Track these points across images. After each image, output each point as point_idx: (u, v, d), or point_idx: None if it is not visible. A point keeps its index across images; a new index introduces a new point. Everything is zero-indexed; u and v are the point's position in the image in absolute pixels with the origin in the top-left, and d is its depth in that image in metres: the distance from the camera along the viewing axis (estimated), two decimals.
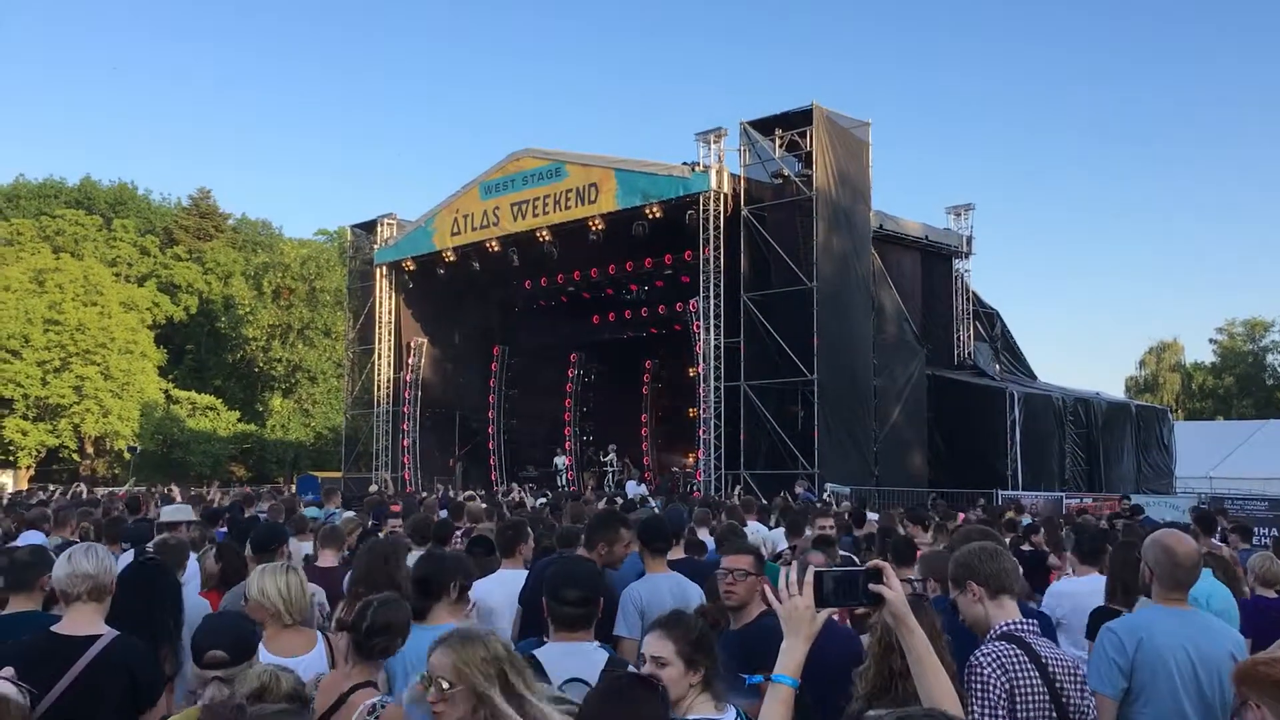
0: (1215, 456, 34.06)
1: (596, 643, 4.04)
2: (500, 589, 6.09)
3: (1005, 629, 3.65)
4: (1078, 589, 6.41)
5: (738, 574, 4.65)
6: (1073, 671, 3.60)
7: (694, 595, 5.61)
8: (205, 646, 3.54)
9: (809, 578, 2.71)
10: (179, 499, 14.70)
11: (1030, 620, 3.73)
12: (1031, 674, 3.50)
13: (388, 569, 5.21)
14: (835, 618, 5.29)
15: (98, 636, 3.94)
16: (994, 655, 3.53)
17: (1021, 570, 4.20)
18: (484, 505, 12.99)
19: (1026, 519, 13.14)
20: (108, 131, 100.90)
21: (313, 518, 10.78)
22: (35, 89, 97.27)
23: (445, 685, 2.85)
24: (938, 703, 2.75)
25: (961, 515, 11.90)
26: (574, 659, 3.81)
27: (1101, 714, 3.68)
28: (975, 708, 3.41)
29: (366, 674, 3.99)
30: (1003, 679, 3.46)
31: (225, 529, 9.40)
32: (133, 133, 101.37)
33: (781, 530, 9.99)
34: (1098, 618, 5.34)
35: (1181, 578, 4.19)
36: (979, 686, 3.44)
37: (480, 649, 2.90)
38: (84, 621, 3.99)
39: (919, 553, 7.29)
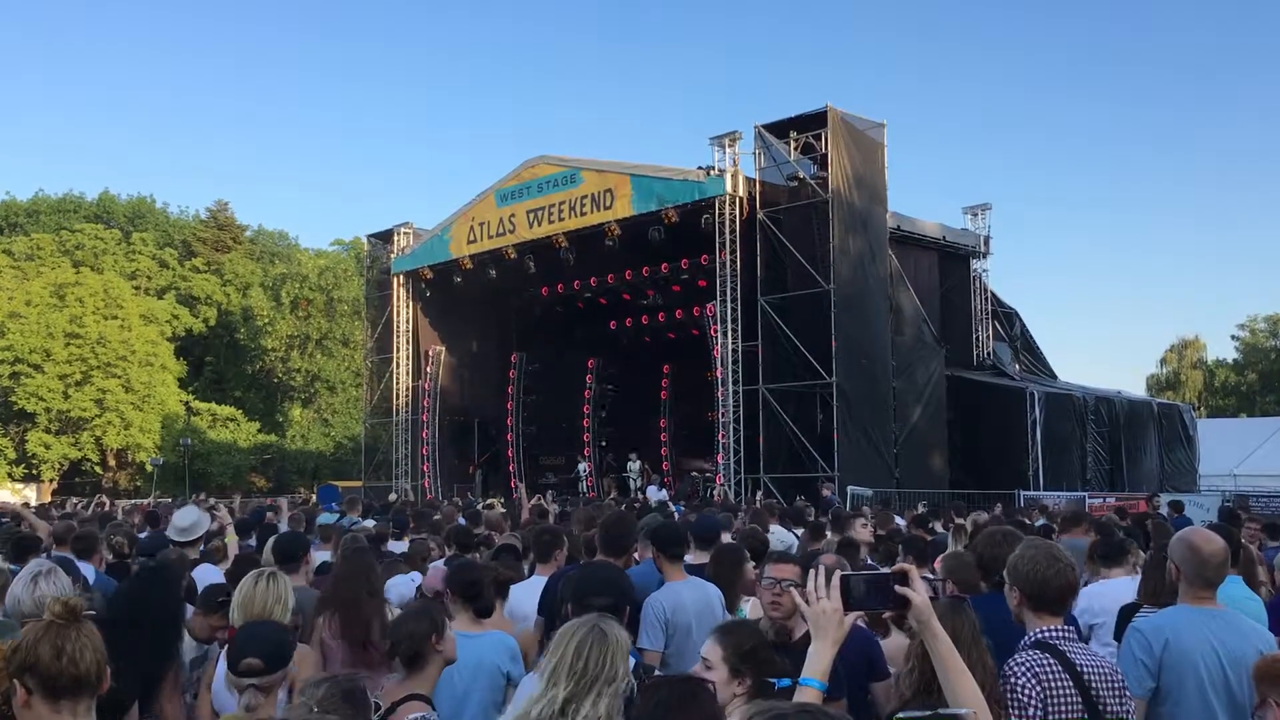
0: (1239, 454, 33.78)
1: None
2: (534, 596, 6.08)
3: (1039, 636, 3.62)
4: (1107, 591, 6.33)
5: (785, 584, 4.35)
6: (1110, 677, 3.55)
7: (715, 599, 5.58)
8: (240, 655, 3.54)
9: (836, 581, 2.70)
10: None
11: (1068, 627, 3.68)
12: (1065, 682, 3.46)
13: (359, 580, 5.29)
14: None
15: None
16: (1027, 664, 3.50)
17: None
18: (503, 512, 13.03)
19: (1041, 521, 12.99)
20: (125, 146, 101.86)
21: (326, 524, 10.80)
22: (53, 105, 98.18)
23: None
24: (964, 706, 2.74)
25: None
26: None
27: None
28: (1013, 718, 3.40)
29: (418, 686, 3.99)
30: (1036, 688, 3.43)
31: (254, 540, 9.43)
32: (150, 147, 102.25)
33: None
34: (1124, 616, 5.28)
35: (1209, 576, 4.14)
36: (1012, 697, 3.42)
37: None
38: None
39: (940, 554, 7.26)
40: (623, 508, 14.21)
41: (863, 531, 8.57)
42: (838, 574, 2.74)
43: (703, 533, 6.83)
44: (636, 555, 6.93)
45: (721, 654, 3.16)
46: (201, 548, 7.80)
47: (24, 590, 4.09)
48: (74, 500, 29.94)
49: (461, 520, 11.54)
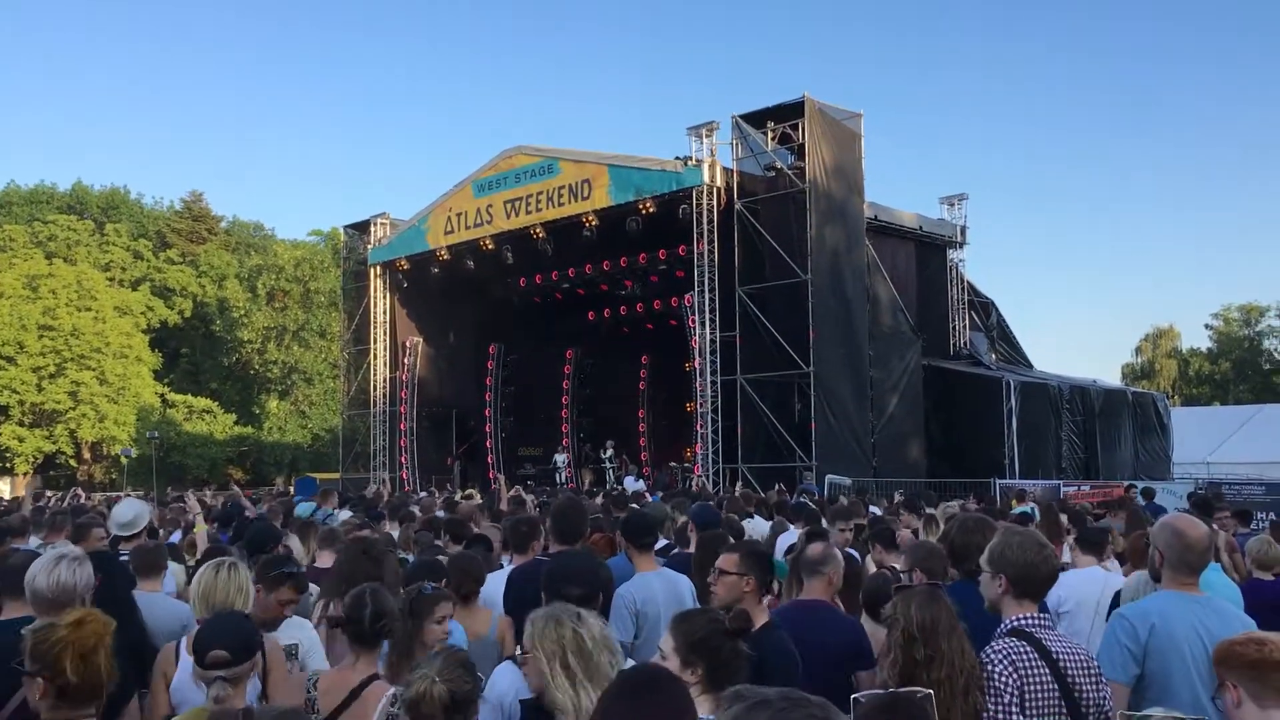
0: (1212, 442, 34.05)
1: None
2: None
3: (1016, 624, 3.64)
4: (1077, 579, 6.39)
5: (719, 573, 4.54)
6: (1086, 664, 3.58)
7: (685, 589, 5.60)
8: (207, 646, 3.52)
9: None
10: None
11: (1044, 615, 3.71)
12: (1041, 670, 3.49)
13: (369, 566, 5.26)
14: (840, 607, 5.29)
15: None
16: (1003, 653, 3.52)
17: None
18: (478, 503, 13.00)
19: (1024, 508, 13.09)
20: (98, 136, 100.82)
21: (303, 515, 10.74)
22: (24, 94, 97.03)
23: (523, 650, 3.36)
24: None
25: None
26: None
27: (1115, 701, 3.64)
28: (989, 706, 3.42)
29: (372, 666, 4.00)
30: (1013, 676, 3.45)
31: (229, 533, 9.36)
32: (123, 137, 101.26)
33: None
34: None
35: (1193, 561, 4.14)
36: (988, 684, 3.44)
37: (554, 628, 3.28)
38: None
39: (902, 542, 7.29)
40: (598, 498, 14.26)
41: (840, 537, 8.55)
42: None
43: (703, 523, 6.85)
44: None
45: (673, 644, 3.16)
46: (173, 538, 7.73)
47: (40, 575, 4.08)
48: (49, 494, 29.68)
49: (440, 513, 11.54)
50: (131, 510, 7.45)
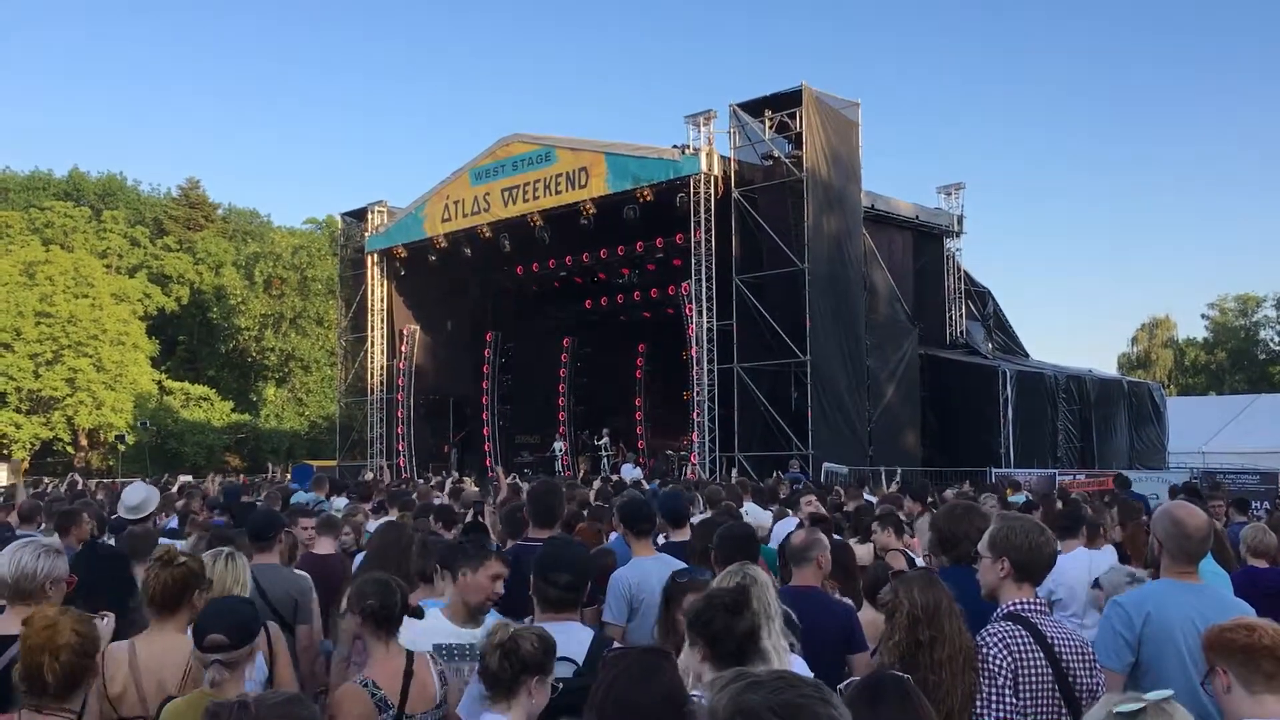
0: (1208, 431, 34.06)
1: (580, 622, 4.09)
2: None
3: (1012, 608, 3.66)
4: (1063, 564, 6.43)
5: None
6: (1080, 650, 3.61)
7: None
8: (205, 631, 3.54)
9: None
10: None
11: (1039, 600, 3.74)
12: (1035, 654, 3.51)
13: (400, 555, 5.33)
14: (835, 591, 5.35)
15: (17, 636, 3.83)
16: (998, 636, 3.55)
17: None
18: (476, 490, 13.05)
19: (1021, 496, 13.14)
20: (95, 122, 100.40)
21: (302, 503, 10.76)
22: (21, 81, 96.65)
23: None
24: None
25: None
26: (560, 637, 3.82)
27: (1109, 688, 3.63)
28: (984, 688, 3.45)
29: (403, 648, 4.05)
30: (1007, 659, 3.48)
31: (223, 518, 9.40)
32: (120, 123, 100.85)
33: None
34: None
35: (1192, 550, 4.14)
36: (983, 666, 3.47)
37: None
38: (14, 620, 3.92)
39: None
40: (593, 485, 14.30)
41: (806, 508, 8.68)
42: None
43: (672, 510, 6.86)
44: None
45: (685, 620, 3.25)
46: (170, 524, 7.76)
47: (6, 557, 4.09)
48: (46, 480, 29.67)
49: (436, 499, 11.58)
50: (139, 494, 7.48)
